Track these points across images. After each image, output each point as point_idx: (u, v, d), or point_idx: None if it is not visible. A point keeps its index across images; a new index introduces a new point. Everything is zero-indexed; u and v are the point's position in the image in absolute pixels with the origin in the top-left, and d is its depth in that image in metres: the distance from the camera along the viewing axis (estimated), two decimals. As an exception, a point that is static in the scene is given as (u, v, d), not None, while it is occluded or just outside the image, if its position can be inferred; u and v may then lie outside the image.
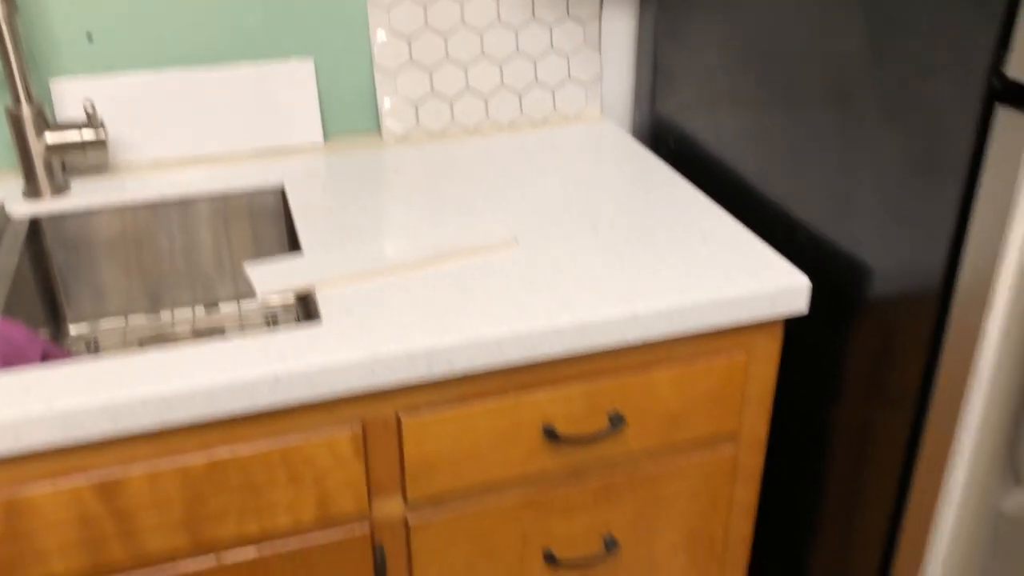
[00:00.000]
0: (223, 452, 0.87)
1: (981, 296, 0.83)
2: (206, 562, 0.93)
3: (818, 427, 1.11)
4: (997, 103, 0.77)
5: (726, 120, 1.22)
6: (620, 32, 1.46)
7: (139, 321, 1.26)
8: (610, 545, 1.07)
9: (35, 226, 1.18)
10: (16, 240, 1.14)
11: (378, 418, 0.92)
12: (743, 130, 1.18)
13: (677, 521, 1.09)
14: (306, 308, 1.03)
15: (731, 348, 1.02)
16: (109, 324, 1.25)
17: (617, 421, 0.99)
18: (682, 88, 1.33)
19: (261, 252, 1.29)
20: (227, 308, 1.29)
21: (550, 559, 1.05)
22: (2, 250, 1.12)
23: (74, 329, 1.24)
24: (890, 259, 0.94)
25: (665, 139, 1.41)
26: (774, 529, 1.25)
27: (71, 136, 1.17)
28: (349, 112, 1.39)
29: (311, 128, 1.35)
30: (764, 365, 1.04)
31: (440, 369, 0.90)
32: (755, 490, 1.12)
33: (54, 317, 1.22)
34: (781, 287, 0.98)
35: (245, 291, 1.30)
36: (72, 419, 0.80)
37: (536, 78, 1.42)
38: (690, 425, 1.04)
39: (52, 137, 1.17)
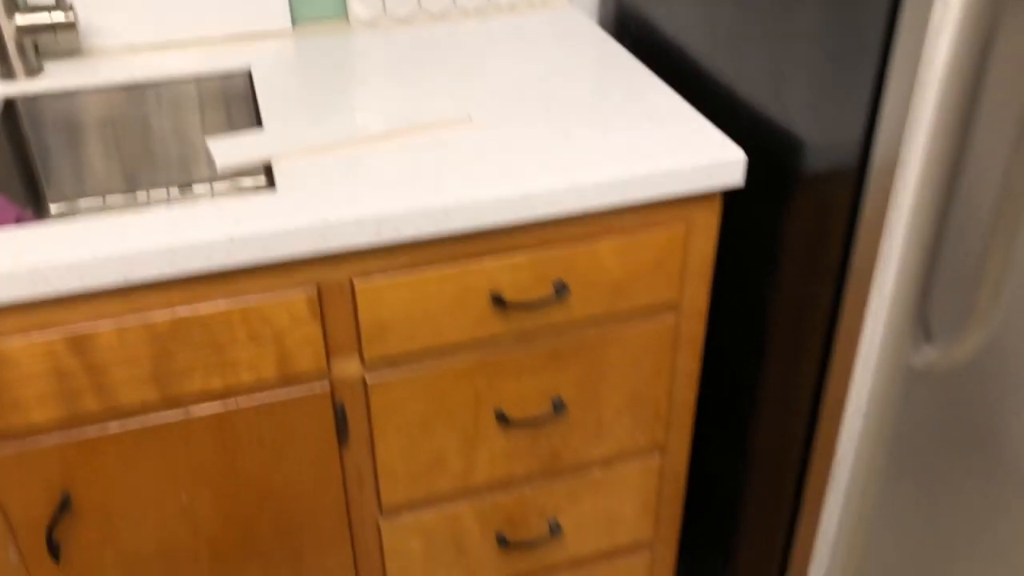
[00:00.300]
0: (185, 310, 0.94)
1: (892, 165, 0.87)
2: (175, 416, 1.00)
3: (760, 299, 1.17)
4: (908, -28, 0.80)
5: (683, 6, 1.24)
6: (587, -82, 1.47)
7: (116, 201, 1.32)
8: (558, 407, 1.14)
9: (10, 107, 1.22)
10: (-8, 119, 1.18)
11: (333, 282, 0.98)
12: (697, 16, 1.21)
13: (622, 386, 1.16)
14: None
15: (671, 220, 1.07)
16: (88, 204, 1.31)
17: (561, 289, 1.05)
18: (646, -26, 1.35)
19: (232, 135, 1.33)
20: (201, 189, 1.34)
21: (502, 418, 1.13)
22: (-21, 129, 1.17)
23: (54, 208, 1.30)
24: (820, 134, 0.98)
25: (628, 26, 1.43)
26: (718, 394, 1.32)
27: (41, 18, 1.21)
28: (317, -2, 1.41)
29: (279, 13, 1.38)
30: (703, 237, 1.09)
31: (388, 235, 0.95)
32: (697, 358, 1.18)
33: (35, 197, 1.27)
34: (718, 160, 1.03)
35: (219, 173, 1.35)
36: (40, 275, 0.86)
37: (502, -36, 1.44)
38: (633, 295, 1.09)
39: (22, 19, 1.20)
